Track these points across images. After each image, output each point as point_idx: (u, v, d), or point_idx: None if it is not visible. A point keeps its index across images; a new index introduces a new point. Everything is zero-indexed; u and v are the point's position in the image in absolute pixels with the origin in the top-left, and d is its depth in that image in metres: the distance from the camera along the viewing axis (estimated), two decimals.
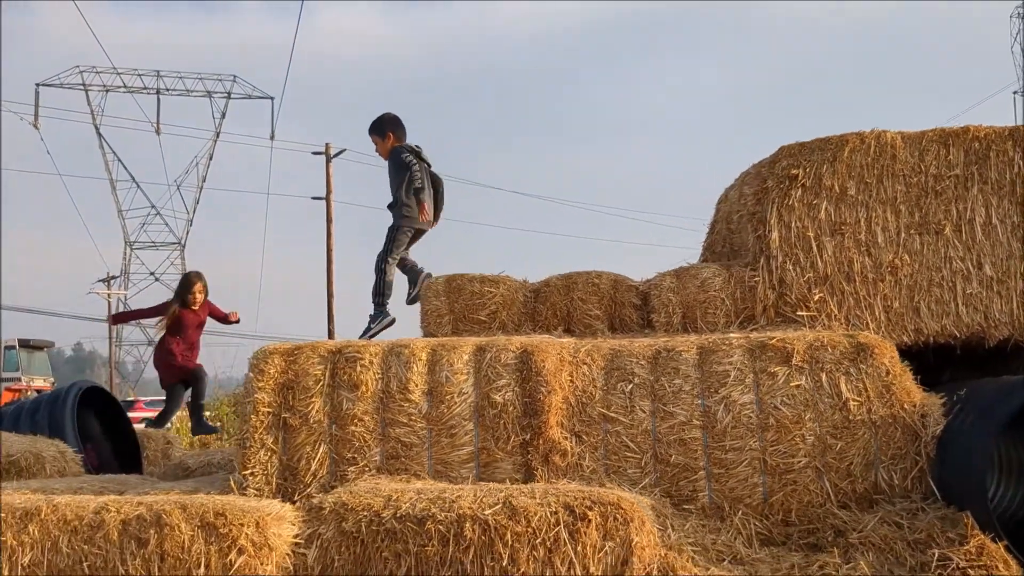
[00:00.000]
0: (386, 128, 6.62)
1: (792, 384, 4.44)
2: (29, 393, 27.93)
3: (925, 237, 5.26)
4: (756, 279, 5.27)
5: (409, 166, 6.40)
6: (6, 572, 3.53)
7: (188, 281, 7.31)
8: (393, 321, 6.46)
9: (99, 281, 51.21)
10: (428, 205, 6.43)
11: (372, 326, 6.33)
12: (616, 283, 5.52)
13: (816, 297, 5.19)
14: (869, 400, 4.39)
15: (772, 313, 5.25)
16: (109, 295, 49.01)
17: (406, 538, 3.73)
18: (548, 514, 3.70)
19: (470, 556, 3.66)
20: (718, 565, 3.94)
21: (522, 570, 3.64)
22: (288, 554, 3.71)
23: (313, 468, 4.51)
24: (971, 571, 3.71)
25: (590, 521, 3.70)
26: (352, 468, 4.51)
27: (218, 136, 54.92)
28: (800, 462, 4.38)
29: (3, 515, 3.58)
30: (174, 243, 57.27)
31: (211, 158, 55.56)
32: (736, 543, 4.23)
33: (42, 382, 30.83)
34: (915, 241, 5.25)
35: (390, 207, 6.59)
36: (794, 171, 5.27)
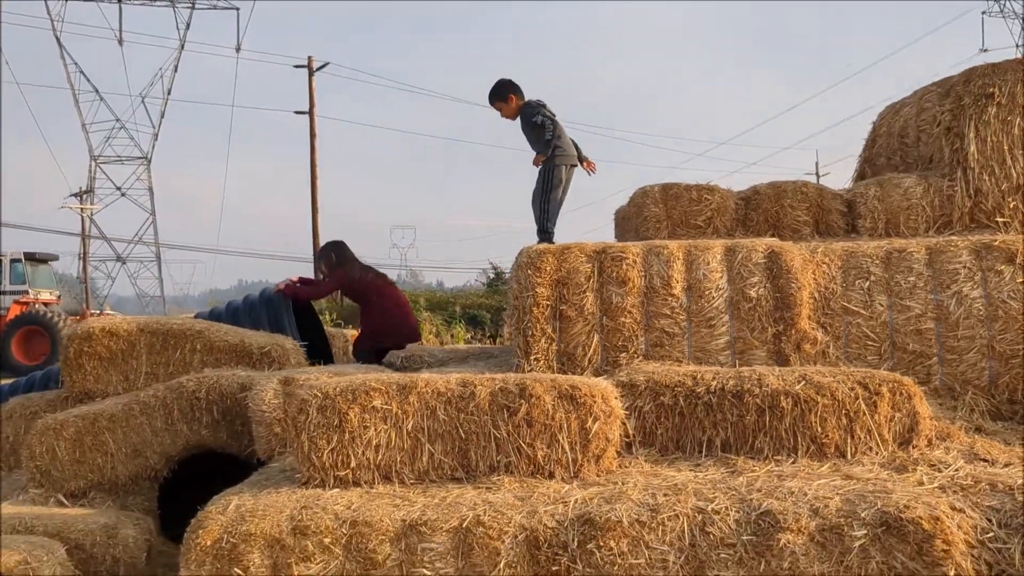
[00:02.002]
0: (507, 92, 6.77)
1: (1017, 280, 5.00)
2: (36, 306, 28.07)
3: None
4: (954, 188, 5.79)
5: (543, 125, 6.52)
6: (393, 435, 4.05)
7: None
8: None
9: (71, 196, 50.40)
10: (564, 149, 6.56)
11: None
12: (821, 191, 6.03)
13: (1011, 205, 5.72)
14: None
15: (967, 220, 5.79)
16: (83, 210, 48.42)
17: (724, 409, 4.28)
18: (847, 390, 4.26)
19: (785, 424, 4.22)
20: (975, 433, 4.55)
21: (829, 436, 4.21)
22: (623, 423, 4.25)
23: (589, 355, 5.04)
24: None
25: (883, 395, 4.26)
26: (623, 355, 5.05)
27: (183, 47, 53.94)
28: None
29: (382, 388, 4.08)
30: (140, 157, 56.58)
31: (176, 70, 54.55)
32: (973, 417, 4.83)
33: (47, 295, 30.88)
34: None
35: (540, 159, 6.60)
36: (990, 89, 5.75)
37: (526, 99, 6.82)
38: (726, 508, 3.54)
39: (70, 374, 5.93)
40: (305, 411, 4.08)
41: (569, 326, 5.06)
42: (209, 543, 3.65)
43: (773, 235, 5.98)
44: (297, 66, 31.92)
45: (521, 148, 6.92)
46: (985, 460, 4.16)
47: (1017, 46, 66.36)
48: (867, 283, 5.12)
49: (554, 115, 6.75)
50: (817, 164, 57.66)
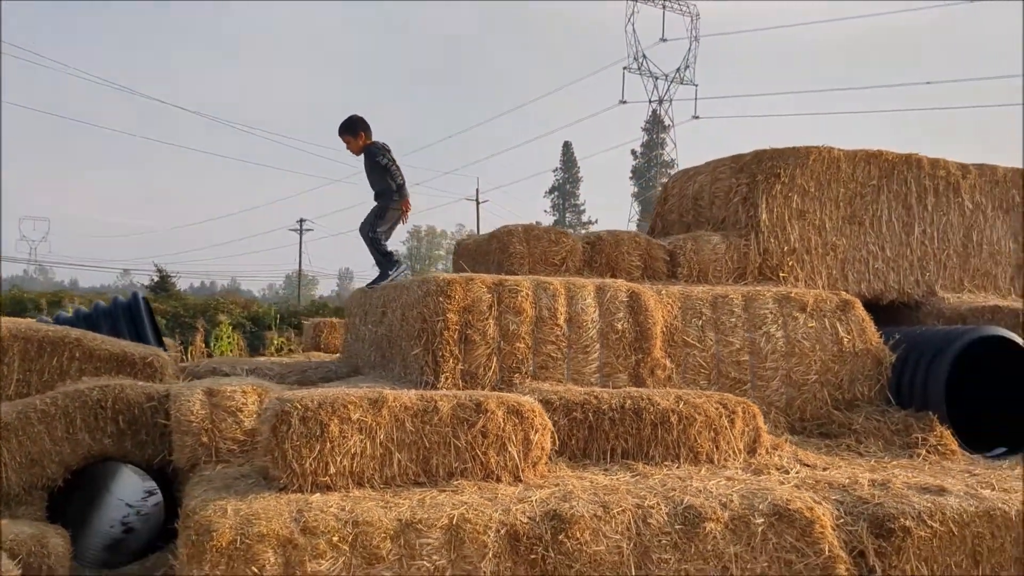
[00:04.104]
0: (358, 128, 7.19)
1: (808, 325, 6.44)
2: None
3: (852, 227, 7.50)
4: (749, 247, 7.20)
5: (388, 168, 7.10)
6: (368, 444, 4.50)
7: None
8: (407, 268, 7.45)
9: None
10: (410, 201, 7.22)
11: (390, 273, 7.10)
12: (650, 242, 7.18)
13: (789, 264, 7.24)
14: (853, 338, 6.50)
15: (757, 273, 7.22)
16: None
17: (625, 423, 5.20)
18: (714, 409, 5.35)
19: (672, 436, 5.22)
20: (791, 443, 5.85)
21: (703, 446, 5.27)
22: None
23: (488, 374, 5.74)
24: (939, 447, 5.94)
25: (738, 414, 5.41)
26: (516, 375, 5.81)
27: None
28: (812, 378, 6.40)
29: (357, 401, 4.52)
30: None
31: None
32: (778, 432, 6.16)
33: None
34: (847, 228, 7.48)
35: (378, 197, 7.25)
36: (777, 170, 7.25)
37: (373, 139, 7.32)
38: (658, 504, 4.44)
39: None
40: (287, 422, 4.42)
41: (473, 348, 5.73)
42: (224, 544, 3.91)
43: (612, 276, 7.04)
44: None
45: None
46: (808, 465, 5.44)
47: (650, 100, 75.47)
48: (700, 321, 6.31)
49: (394, 159, 7.31)
50: (478, 191, 62.02)
